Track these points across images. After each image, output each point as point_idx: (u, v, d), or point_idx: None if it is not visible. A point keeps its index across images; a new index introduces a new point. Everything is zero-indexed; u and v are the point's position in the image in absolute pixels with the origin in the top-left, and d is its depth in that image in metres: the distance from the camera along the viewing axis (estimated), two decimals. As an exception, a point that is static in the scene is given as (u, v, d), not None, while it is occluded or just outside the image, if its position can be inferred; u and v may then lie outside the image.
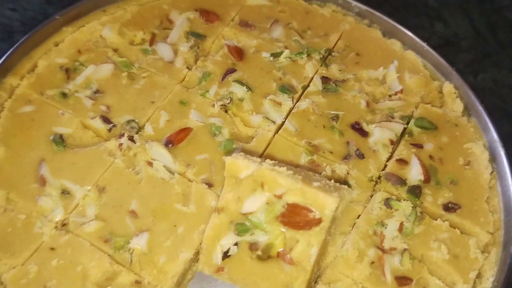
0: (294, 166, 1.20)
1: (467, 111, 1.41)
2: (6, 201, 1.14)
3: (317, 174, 1.13)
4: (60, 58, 1.39)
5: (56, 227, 1.11)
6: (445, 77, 1.47)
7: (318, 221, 1.03)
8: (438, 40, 1.80)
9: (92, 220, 1.12)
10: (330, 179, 1.13)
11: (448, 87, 1.44)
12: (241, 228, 1.07)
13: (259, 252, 1.07)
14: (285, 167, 1.06)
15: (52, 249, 1.08)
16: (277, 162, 1.09)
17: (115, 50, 1.44)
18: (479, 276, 1.14)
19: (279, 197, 1.05)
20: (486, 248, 1.19)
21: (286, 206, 1.05)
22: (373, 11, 1.57)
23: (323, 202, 1.02)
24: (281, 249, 1.06)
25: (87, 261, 1.07)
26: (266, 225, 1.06)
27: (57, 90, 1.33)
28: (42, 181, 1.17)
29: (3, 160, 1.19)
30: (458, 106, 1.41)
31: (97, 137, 1.27)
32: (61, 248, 1.08)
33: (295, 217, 1.04)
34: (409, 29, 1.54)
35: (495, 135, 1.33)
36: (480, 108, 1.37)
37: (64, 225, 1.12)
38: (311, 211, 1.03)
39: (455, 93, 1.43)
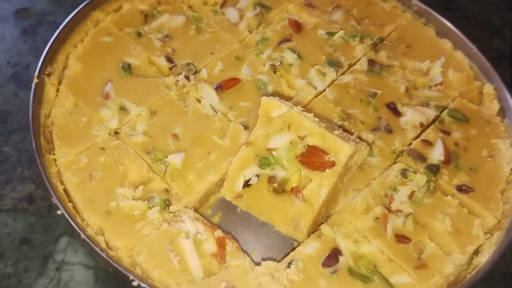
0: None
1: (502, 112, 1.46)
2: (74, 106, 1.34)
3: (341, 129, 1.24)
4: (142, 5, 1.59)
5: (109, 133, 1.29)
6: (487, 80, 1.53)
7: (332, 164, 1.14)
8: (494, 53, 1.84)
9: (140, 134, 1.29)
10: (353, 138, 1.23)
11: (488, 88, 1.50)
12: (264, 161, 1.19)
13: (275, 185, 1.19)
14: (312, 114, 1.18)
15: (103, 148, 1.26)
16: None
17: (190, 7, 1.62)
18: (476, 253, 1.19)
19: (302, 138, 1.16)
20: (490, 231, 1.23)
21: (306, 147, 1.16)
22: (431, 10, 1.66)
23: (339, 148, 1.13)
24: (295, 185, 1.18)
25: (129, 164, 1.23)
26: (286, 162, 1.18)
27: (134, 29, 1.52)
28: (106, 96, 1.35)
29: (78, 74, 1.40)
30: (495, 106, 1.46)
31: (158, 73, 1.45)
32: (110, 149, 1.26)
33: (312, 158, 1.15)
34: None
35: (524, 138, 1.38)
36: (515, 110, 1.43)
37: (116, 133, 1.30)
38: (327, 154, 1.14)
39: (494, 94, 1.48)
